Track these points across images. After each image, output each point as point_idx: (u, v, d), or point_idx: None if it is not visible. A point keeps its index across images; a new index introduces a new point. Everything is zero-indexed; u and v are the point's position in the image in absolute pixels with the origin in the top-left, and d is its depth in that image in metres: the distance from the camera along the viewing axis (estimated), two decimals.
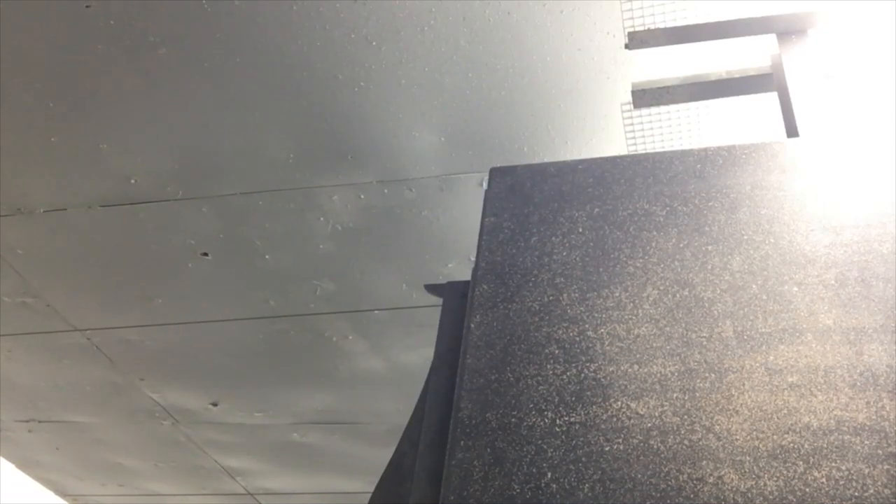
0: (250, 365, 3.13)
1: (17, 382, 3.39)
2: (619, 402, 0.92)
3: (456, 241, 2.50)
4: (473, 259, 1.16)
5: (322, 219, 2.47)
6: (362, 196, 2.38)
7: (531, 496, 0.86)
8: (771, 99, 1.66)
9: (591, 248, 1.08)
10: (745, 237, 1.03)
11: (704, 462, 0.85)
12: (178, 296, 2.80)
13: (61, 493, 4.35)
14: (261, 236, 2.54)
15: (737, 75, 1.73)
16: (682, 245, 1.05)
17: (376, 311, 2.80)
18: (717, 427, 0.86)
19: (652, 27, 1.71)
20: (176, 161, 2.32)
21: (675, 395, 0.90)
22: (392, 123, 2.16)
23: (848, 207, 1.03)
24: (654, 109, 1.86)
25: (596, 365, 0.95)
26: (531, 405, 0.94)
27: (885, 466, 0.78)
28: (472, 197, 2.33)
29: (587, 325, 0.99)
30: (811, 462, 0.81)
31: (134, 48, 2.01)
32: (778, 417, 0.85)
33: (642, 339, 0.95)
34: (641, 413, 0.90)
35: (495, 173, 1.22)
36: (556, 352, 0.98)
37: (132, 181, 2.39)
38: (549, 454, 0.89)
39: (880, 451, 0.80)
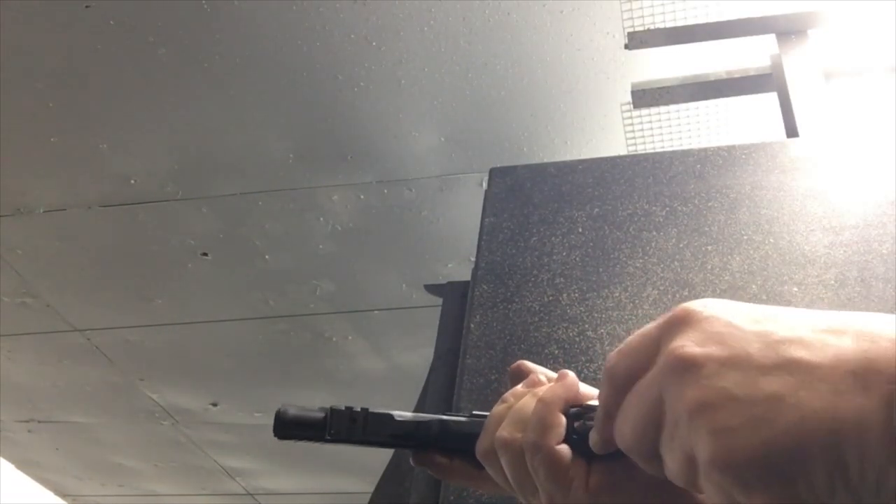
0: (250, 365, 3.13)
1: (17, 382, 3.39)
2: None
3: (456, 241, 2.50)
4: (473, 259, 1.16)
5: (322, 219, 2.47)
6: (362, 196, 2.38)
7: None
8: (771, 99, 1.66)
9: (591, 248, 1.08)
10: (745, 237, 1.03)
11: None
12: (177, 296, 2.80)
13: (61, 493, 4.35)
14: (261, 236, 2.54)
15: (737, 75, 1.73)
16: (681, 245, 1.05)
17: (376, 311, 2.80)
18: None
19: (652, 27, 1.71)
20: (176, 161, 2.32)
21: None
22: (392, 123, 2.16)
23: (848, 207, 1.03)
24: (654, 109, 1.86)
25: (596, 365, 0.95)
26: None
27: None
28: (472, 197, 2.33)
29: (587, 325, 0.99)
30: None
31: (134, 48, 2.01)
32: None
33: None
34: None
35: (495, 173, 1.22)
36: (556, 352, 0.98)
37: (132, 181, 2.39)
38: None
39: None
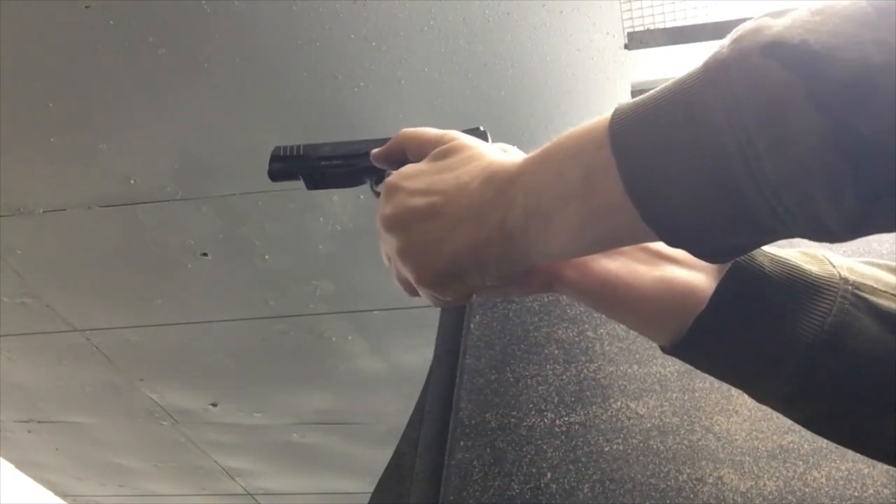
0: (250, 365, 3.13)
1: (17, 382, 3.39)
2: (619, 402, 0.92)
3: None
4: None
5: (322, 219, 2.47)
6: (362, 196, 2.38)
7: (531, 496, 0.86)
8: None
9: None
10: None
11: (704, 462, 0.85)
12: (178, 296, 2.80)
13: (61, 493, 4.35)
14: (261, 236, 2.54)
15: None
16: None
17: (376, 311, 2.80)
18: (717, 427, 0.86)
19: (651, 27, 1.71)
20: (176, 161, 2.32)
21: (674, 395, 0.90)
22: (392, 123, 2.16)
23: None
24: None
25: (596, 365, 0.95)
26: (531, 405, 0.94)
27: (885, 466, 0.78)
28: None
29: (587, 325, 0.99)
30: (811, 462, 0.81)
31: (134, 48, 2.01)
32: (777, 417, 0.85)
33: (642, 339, 0.95)
34: (641, 413, 0.90)
35: None
36: (556, 352, 0.98)
37: (132, 181, 2.39)
38: (549, 454, 0.89)
39: None
